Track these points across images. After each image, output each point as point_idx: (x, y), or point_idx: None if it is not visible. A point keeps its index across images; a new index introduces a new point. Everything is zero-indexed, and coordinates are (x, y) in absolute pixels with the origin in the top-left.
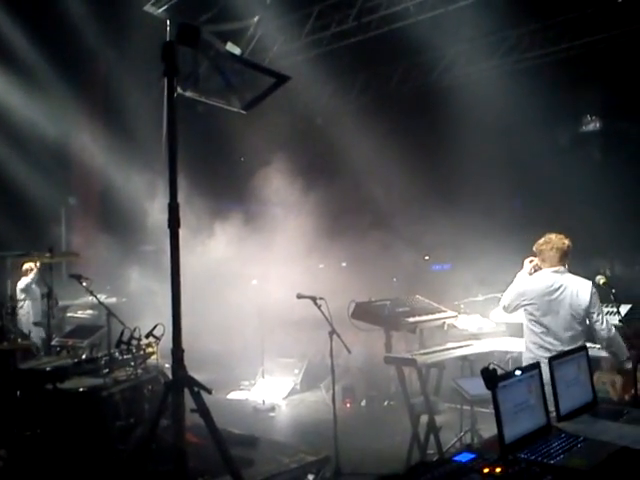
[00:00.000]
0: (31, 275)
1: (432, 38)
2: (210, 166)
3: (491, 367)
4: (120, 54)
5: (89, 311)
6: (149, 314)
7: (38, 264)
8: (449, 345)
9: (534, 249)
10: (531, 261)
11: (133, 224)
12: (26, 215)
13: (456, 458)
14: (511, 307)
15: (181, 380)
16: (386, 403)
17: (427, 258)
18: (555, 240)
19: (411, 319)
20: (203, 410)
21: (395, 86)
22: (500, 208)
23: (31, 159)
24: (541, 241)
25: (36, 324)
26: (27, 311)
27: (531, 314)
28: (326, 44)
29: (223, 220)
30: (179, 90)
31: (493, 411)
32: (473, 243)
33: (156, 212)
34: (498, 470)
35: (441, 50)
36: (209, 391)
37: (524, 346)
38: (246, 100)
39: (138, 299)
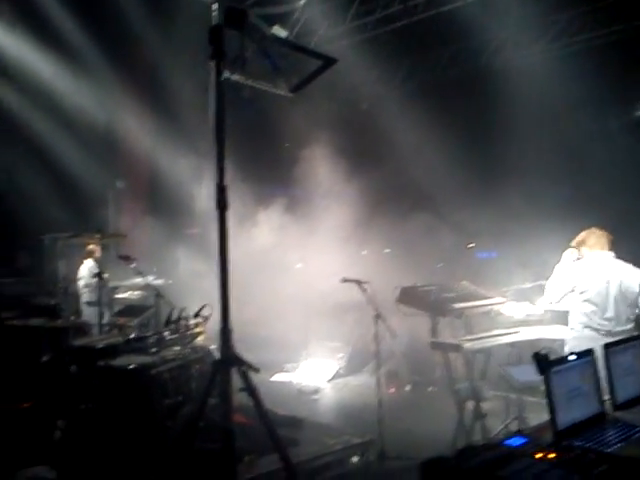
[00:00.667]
0: (96, 256)
1: (480, 22)
2: (254, 152)
3: (543, 351)
4: (166, 38)
5: (137, 292)
6: (196, 296)
7: (99, 247)
8: (496, 332)
9: (577, 240)
10: (572, 252)
11: (179, 207)
12: (76, 198)
13: (507, 442)
14: (559, 298)
15: (229, 359)
16: (430, 389)
17: (471, 246)
18: (600, 231)
19: (458, 305)
20: (251, 389)
21: (441, 71)
22: (547, 194)
23: (81, 143)
24: (584, 233)
25: (89, 304)
26: (82, 291)
27: (581, 293)
28: (371, 29)
29: (267, 205)
30: (226, 74)
31: (541, 400)
32: (518, 230)
33: (202, 196)
34: (552, 456)
35: (489, 34)
36: (257, 370)
37: (569, 325)
38: (292, 83)
39: (185, 281)
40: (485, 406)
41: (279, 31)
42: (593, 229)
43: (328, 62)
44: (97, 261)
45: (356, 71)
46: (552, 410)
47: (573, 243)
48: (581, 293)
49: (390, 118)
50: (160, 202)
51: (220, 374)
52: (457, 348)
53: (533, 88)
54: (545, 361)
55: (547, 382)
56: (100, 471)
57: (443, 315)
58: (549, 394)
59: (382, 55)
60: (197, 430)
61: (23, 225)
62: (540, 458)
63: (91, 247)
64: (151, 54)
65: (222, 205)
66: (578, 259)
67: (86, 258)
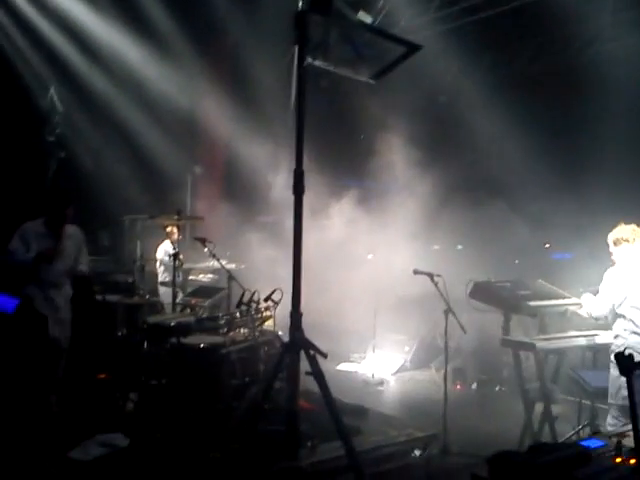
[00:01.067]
0: (173, 237)
1: (570, 12)
2: (330, 143)
3: (627, 352)
4: (250, 25)
5: (210, 275)
6: (267, 282)
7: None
8: (572, 333)
9: (618, 237)
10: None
11: (255, 194)
12: (155, 182)
13: (583, 443)
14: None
15: (298, 342)
16: (497, 388)
17: (548, 246)
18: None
19: (533, 303)
20: (318, 373)
21: (525, 64)
22: (630, 192)
23: (163, 128)
24: (627, 229)
25: (162, 284)
26: (158, 271)
27: (626, 299)
28: (454, 19)
29: (341, 197)
30: (308, 59)
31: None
32: (597, 227)
33: (278, 184)
34: (632, 462)
35: (580, 25)
36: (324, 355)
37: (614, 332)
38: (375, 70)
39: (257, 267)
40: (555, 409)
41: (364, 17)
42: (632, 226)
43: (412, 49)
44: (174, 243)
45: (437, 63)
46: (634, 414)
47: (619, 236)
48: (625, 299)
49: (469, 110)
50: (236, 189)
51: (288, 356)
52: (529, 347)
53: (624, 81)
54: (629, 362)
55: (630, 385)
56: (168, 443)
57: (517, 312)
58: (632, 397)
59: (464, 47)
60: (262, 411)
61: (105, 206)
62: (620, 463)
63: (169, 229)
64: (234, 41)
65: (299, 190)
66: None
67: (164, 239)
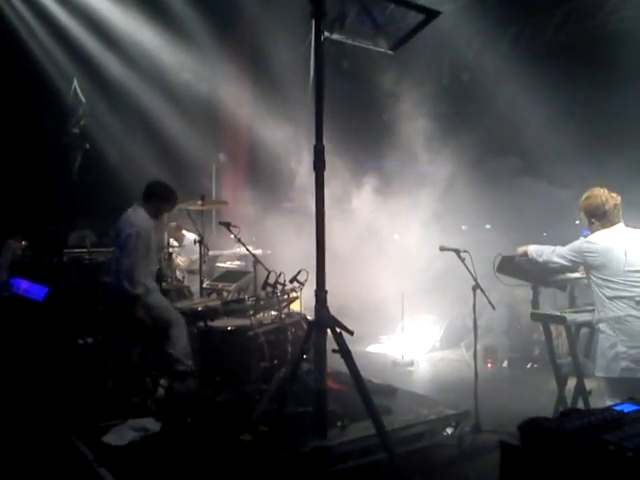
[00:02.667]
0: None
1: None
2: (352, 124)
3: None
4: (267, 7)
5: (236, 262)
6: (293, 267)
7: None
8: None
9: (590, 206)
10: None
11: (279, 180)
12: (180, 171)
13: (617, 407)
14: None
15: (324, 320)
16: (529, 366)
17: (578, 223)
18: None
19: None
20: (344, 351)
21: (551, 35)
22: None
23: (186, 117)
24: (602, 196)
25: (190, 272)
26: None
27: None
28: None
29: (364, 178)
30: (326, 33)
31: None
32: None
33: (302, 171)
34: None
35: None
36: (351, 332)
37: None
38: (393, 40)
39: (282, 252)
40: (589, 384)
41: None
42: (601, 191)
43: (431, 15)
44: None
45: (458, 38)
46: None
47: (592, 204)
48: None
49: (494, 86)
50: (260, 175)
51: (314, 334)
52: (560, 320)
53: None
54: None
55: None
56: (198, 427)
57: (545, 285)
58: None
59: (486, 21)
60: (291, 392)
61: (131, 196)
62: None
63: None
64: (253, 25)
65: (319, 166)
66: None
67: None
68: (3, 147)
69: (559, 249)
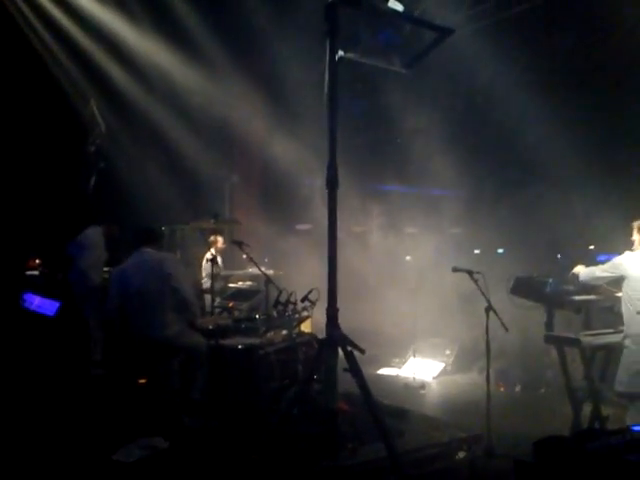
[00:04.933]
0: (217, 246)
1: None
2: (366, 148)
3: None
4: (283, 29)
5: (248, 282)
6: (304, 287)
7: (220, 239)
8: (620, 328)
9: None
10: None
11: (292, 202)
12: (194, 192)
13: (636, 428)
14: None
15: (335, 338)
16: (543, 390)
17: (592, 248)
18: None
19: (577, 297)
20: (355, 370)
21: (565, 58)
22: None
23: (200, 139)
24: None
25: (203, 291)
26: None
27: None
28: (489, 16)
29: (378, 202)
30: (340, 52)
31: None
32: None
33: (314, 192)
34: None
35: (620, 14)
36: (362, 351)
37: None
38: (407, 59)
39: (294, 273)
40: (606, 410)
41: (395, 5)
42: None
43: (444, 33)
44: (217, 251)
45: (472, 62)
46: None
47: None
48: None
49: (508, 110)
50: (273, 197)
51: (325, 353)
52: (574, 342)
53: None
54: None
55: None
56: (207, 445)
57: (560, 307)
58: None
59: (500, 45)
60: (301, 412)
61: (145, 216)
62: None
63: (212, 238)
64: (268, 49)
65: (332, 184)
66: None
67: (208, 249)
68: (19, 165)
69: (601, 266)
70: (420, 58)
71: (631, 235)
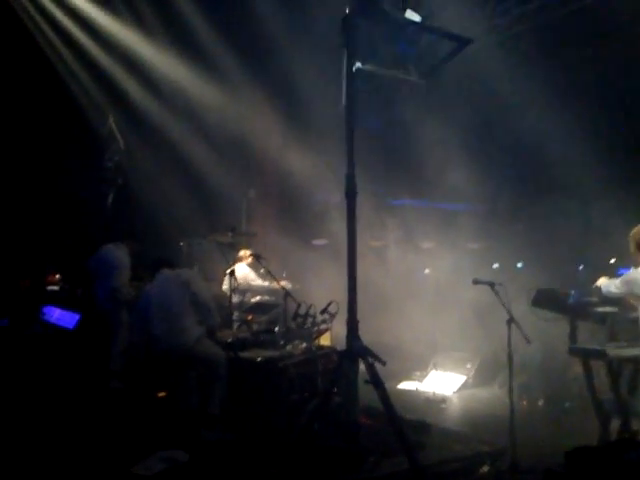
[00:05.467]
0: (247, 261)
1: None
2: (384, 162)
3: None
4: (300, 43)
5: (266, 297)
6: (322, 301)
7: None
8: None
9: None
10: None
11: (309, 217)
12: (211, 207)
13: None
14: None
15: (356, 349)
16: (567, 404)
17: (613, 261)
18: None
19: (601, 309)
20: (377, 381)
21: (586, 71)
22: None
23: (217, 153)
24: None
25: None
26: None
27: None
28: (506, 28)
29: (394, 215)
30: (358, 64)
31: None
32: None
33: (329, 207)
34: None
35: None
36: (383, 362)
37: None
38: (424, 70)
39: (312, 287)
40: (636, 424)
41: (412, 15)
42: None
43: (462, 43)
44: (249, 265)
45: (490, 75)
46: None
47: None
48: None
49: (529, 123)
50: (290, 211)
51: (346, 364)
52: (600, 355)
53: None
54: None
55: None
56: (227, 458)
57: (584, 319)
58: None
59: (519, 57)
60: (321, 424)
61: (163, 231)
62: None
63: (242, 253)
64: (285, 62)
65: (351, 193)
66: None
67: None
68: (39, 181)
69: (615, 280)
70: (437, 68)
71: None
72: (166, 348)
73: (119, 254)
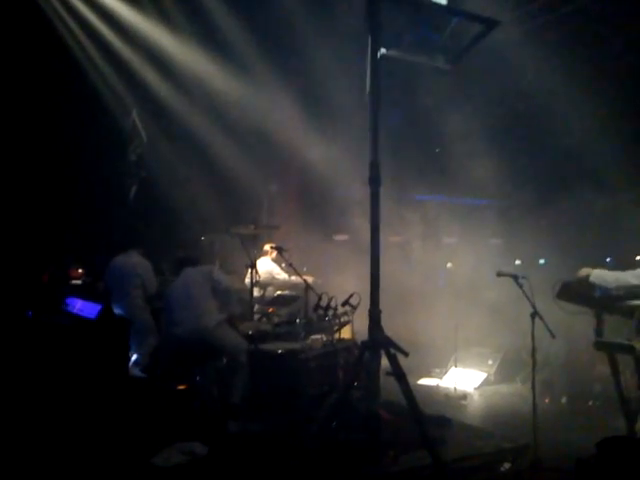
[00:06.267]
0: (272, 257)
1: None
2: (405, 157)
3: None
4: (323, 37)
5: (287, 292)
6: (342, 296)
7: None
8: None
9: None
10: None
11: (329, 213)
12: (233, 201)
13: None
14: None
15: (378, 340)
16: (591, 403)
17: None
18: None
19: (629, 302)
20: (399, 373)
21: (613, 60)
22: None
23: (239, 148)
24: None
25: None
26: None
27: None
28: (532, 17)
29: (415, 210)
30: (382, 50)
31: None
32: None
33: (350, 203)
34: None
35: None
36: (406, 354)
37: None
38: (450, 55)
39: (332, 282)
40: None
41: None
42: None
43: (490, 25)
44: (274, 261)
45: (514, 66)
46: None
47: None
48: None
49: (552, 117)
50: (312, 206)
51: (368, 355)
52: (628, 349)
53: None
54: None
55: None
56: (246, 451)
57: (610, 312)
58: None
59: (544, 46)
60: (342, 417)
61: (184, 225)
62: None
63: (266, 247)
64: (307, 55)
65: (375, 181)
66: None
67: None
68: (63, 175)
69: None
70: (464, 53)
71: None
72: (187, 331)
73: (145, 265)
